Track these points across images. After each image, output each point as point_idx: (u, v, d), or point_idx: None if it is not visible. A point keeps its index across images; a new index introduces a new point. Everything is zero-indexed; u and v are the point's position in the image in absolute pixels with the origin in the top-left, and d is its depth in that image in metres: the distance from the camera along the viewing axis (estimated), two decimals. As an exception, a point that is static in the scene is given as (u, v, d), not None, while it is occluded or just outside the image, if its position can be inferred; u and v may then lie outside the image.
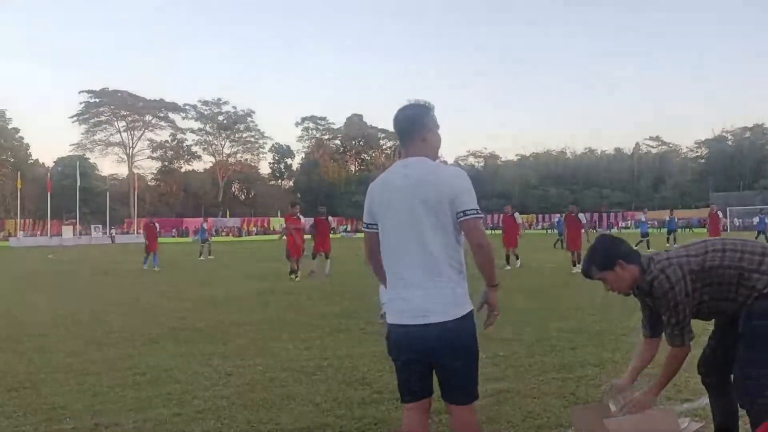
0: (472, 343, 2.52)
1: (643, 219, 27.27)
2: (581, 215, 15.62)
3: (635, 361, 3.24)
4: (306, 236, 15.33)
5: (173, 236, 67.90)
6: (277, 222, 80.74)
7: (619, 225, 70.38)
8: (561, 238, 23.80)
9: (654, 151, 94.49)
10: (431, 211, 2.45)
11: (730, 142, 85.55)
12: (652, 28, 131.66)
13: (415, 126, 2.61)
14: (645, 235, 25.44)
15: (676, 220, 29.41)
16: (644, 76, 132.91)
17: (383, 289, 2.74)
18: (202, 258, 24.56)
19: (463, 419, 2.56)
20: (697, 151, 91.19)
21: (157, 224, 20.43)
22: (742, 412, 2.96)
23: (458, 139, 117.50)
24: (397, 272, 2.54)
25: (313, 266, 14.56)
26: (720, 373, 3.05)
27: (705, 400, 4.02)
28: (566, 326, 7.03)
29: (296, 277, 13.94)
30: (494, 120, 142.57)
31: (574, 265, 14.37)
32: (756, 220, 27.87)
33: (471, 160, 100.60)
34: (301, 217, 14.90)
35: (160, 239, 20.82)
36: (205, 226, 27.11)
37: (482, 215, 2.52)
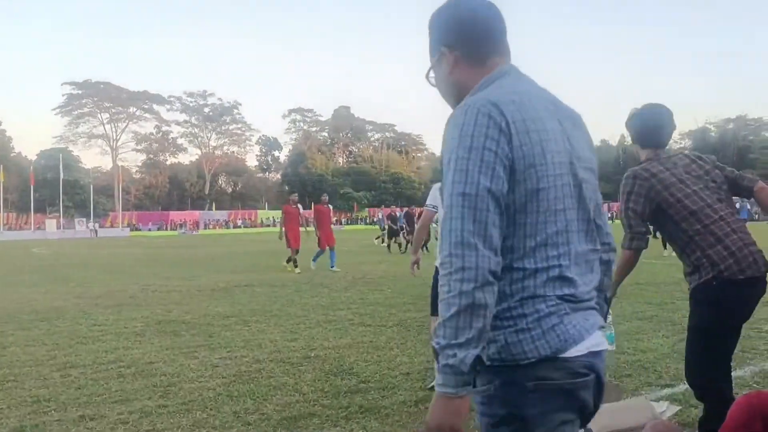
0: None
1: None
2: None
3: (615, 274, 3.12)
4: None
5: (157, 229, 67.39)
6: (265, 215, 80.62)
7: (613, 215, 70.89)
8: None
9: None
10: None
11: (713, 133, 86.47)
12: (636, 21, 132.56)
13: None
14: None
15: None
16: (628, 67, 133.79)
17: None
18: (377, 242, 24.80)
19: None
20: (680, 142, 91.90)
21: (330, 207, 15.20)
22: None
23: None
24: None
25: None
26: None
27: (684, 386, 4.11)
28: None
29: None
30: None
31: None
32: (737, 205, 27.37)
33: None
34: None
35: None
36: (381, 214, 27.33)
37: None
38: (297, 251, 13.90)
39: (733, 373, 4.16)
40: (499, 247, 1.26)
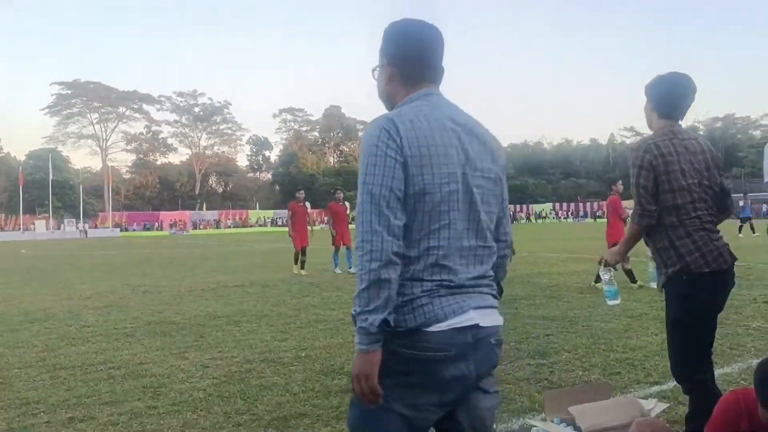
0: None
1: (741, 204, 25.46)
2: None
3: (621, 245, 3.07)
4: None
5: (142, 229, 66.98)
6: (256, 215, 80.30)
7: (595, 214, 71.33)
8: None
9: (628, 141, 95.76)
10: None
11: (701, 132, 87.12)
12: (624, 24, 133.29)
13: None
14: (745, 219, 24.28)
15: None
16: (617, 69, 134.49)
17: None
18: (741, 235, 22.55)
19: None
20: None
21: (347, 205, 14.42)
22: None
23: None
24: None
25: None
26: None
27: (673, 383, 4.14)
28: (540, 313, 7.14)
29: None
30: (471, 111, 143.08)
31: None
32: (740, 204, 26.61)
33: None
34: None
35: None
36: (745, 203, 24.47)
37: None
38: (303, 250, 13.31)
39: (720, 370, 4.22)
40: (400, 234, 1.56)
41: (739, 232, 23.08)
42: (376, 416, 1.63)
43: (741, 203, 25.97)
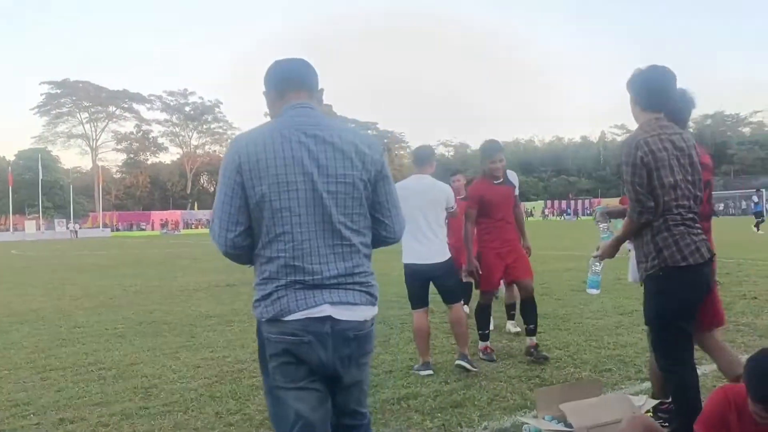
0: (454, 270, 4.81)
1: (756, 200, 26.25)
2: None
3: (617, 237, 3.12)
4: None
5: (127, 229, 66.66)
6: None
7: (586, 212, 71.56)
8: None
9: (619, 138, 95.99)
10: (435, 204, 4.61)
11: (692, 130, 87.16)
12: (616, 18, 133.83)
13: (431, 159, 4.83)
14: (759, 215, 24.61)
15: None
16: (609, 64, 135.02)
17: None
18: (761, 232, 22.38)
19: (457, 311, 4.71)
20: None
21: None
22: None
23: (428, 129, 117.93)
24: (418, 231, 4.49)
25: None
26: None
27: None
28: (533, 311, 7.15)
29: None
30: (463, 110, 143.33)
31: None
32: (755, 199, 26.57)
33: (441, 149, 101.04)
34: None
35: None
36: (759, 199, 25.09)
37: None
38: None
39: (710, 366, 4.24)
40: (235, 234, 1.88)
41: (757, 229, 22.99)
42: (275, 397, 1.93)
43: (755, 199, 26.21)
